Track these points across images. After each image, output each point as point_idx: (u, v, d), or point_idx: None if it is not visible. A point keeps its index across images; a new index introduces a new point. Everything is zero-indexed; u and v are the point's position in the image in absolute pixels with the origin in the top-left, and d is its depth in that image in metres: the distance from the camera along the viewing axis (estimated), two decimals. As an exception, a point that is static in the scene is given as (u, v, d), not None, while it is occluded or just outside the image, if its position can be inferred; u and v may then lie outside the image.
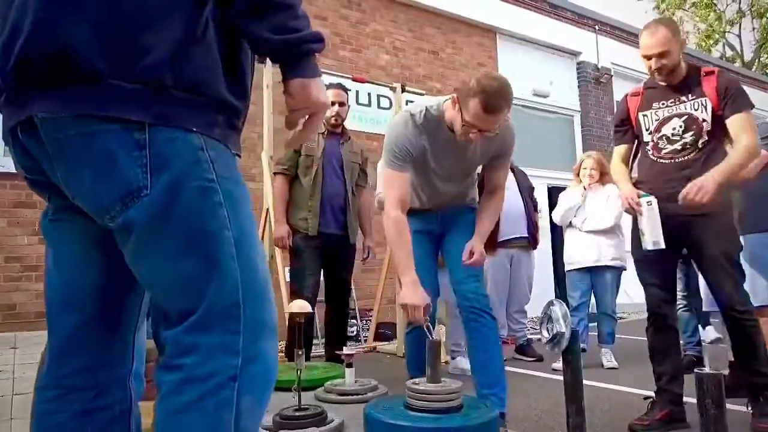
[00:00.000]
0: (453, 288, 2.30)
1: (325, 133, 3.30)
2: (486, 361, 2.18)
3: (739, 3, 16.20)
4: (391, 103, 5.81)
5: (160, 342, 0.85)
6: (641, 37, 2.40)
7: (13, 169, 4.32)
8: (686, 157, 2.36)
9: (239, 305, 0.83)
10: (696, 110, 2.35)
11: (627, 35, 9.59)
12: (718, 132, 2.33)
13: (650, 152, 2.46)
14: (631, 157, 2.60)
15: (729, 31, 16.44)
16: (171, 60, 0.81)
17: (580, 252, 3.82)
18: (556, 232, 6.23)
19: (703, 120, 2.33)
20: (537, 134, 7.88)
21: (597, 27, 8.94)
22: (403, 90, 4.79)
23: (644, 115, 2.48)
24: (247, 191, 0.91)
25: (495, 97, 1.93)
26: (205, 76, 0.85)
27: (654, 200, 2.30)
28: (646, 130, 2.47)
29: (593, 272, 3.81)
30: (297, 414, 1.68)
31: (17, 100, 0.82)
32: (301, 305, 2.21)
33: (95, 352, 0.96)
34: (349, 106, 3.49)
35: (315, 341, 4.55)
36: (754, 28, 15.73)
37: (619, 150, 2.58)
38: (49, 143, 0.82)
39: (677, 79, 2.39)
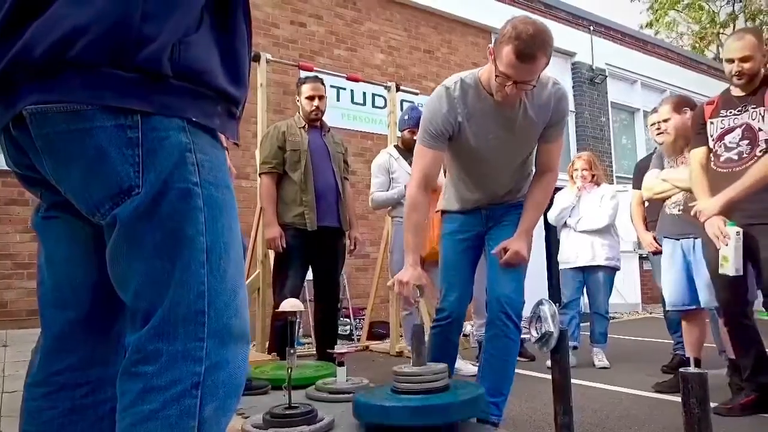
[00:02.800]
0: (486, 287, 2.16)
1: (306, 126, 3.31)
2: (498, 370, 2.08)
3: (732, 5, 16.29)
4: (385, 102, 5.81)
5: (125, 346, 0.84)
6: (727, 42, 2.51)
7: (4, 167, 4.30)
8: (742, 167, 2.43)
9: (204, 312, 0.82)
10: (754, 120, 2.43)
11: (621, 36, 9.64)
12: None
13: (713, 160, 2.56)
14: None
15: (722, 33, 16.51)
16: (171, 50, 0.80)
17: (574, 251, 3.85)
18: (551, 232, 6.25)
19: (759, 129, 2.40)
20: (531, 134, 7.89)
21: (592, 27, 8.97)
22: (398, 89, 4.79)
23: (711, 123, 2.58)
24: (232, 196, 0.91)
25: (529, 43, 1.76)
26: (204, 66, 0.84)
27: (741, 231, 2.39)
28: (711, 137, 2.57)
29: (587, 272, 3.84)
30: (287, 412, 1.69)
31: (8, 95, 0.81)
32: (293, 303, 2.21)
33: (87, 349, 0.96)
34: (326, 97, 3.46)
35: (307, 340, 4.57)
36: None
37: (696, 154, 2.63)
38: (38, 138, 0.81)
39: (751, 87, 2.48)
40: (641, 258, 7.10)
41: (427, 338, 2.11)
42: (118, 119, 0.79)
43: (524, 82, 1.84)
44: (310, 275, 3.41)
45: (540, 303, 1.46)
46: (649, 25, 17.67)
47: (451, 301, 2.17)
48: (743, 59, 2.43)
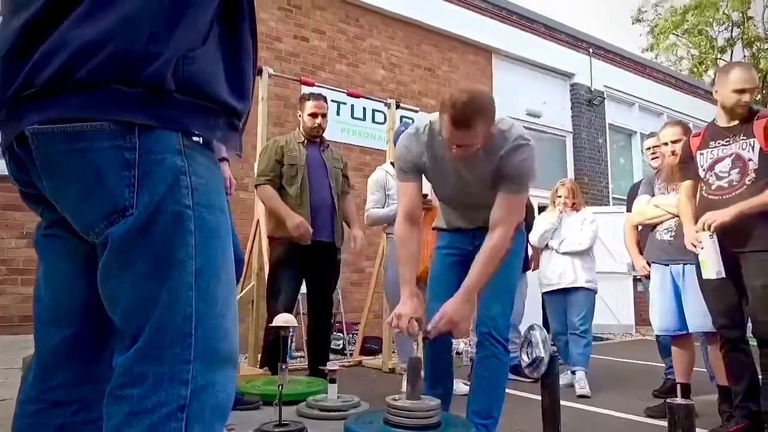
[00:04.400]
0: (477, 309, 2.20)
1: (305, 142, 3.34)
2: (487, 391, 2.09)
3: (731, 31, 16.50)
4: (385, 118, 5.85)
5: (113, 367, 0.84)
6: (734, 72, 2.54)
7: (1, 172, 4.30)
8: (732, 194, 2.49)
9: (191, 335, 0.82)
10: (743, 150, 2.50)
11: (621, 59, 9.74)
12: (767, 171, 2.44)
13: (703, 188, 2.62)
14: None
15: (720, 58, 16.70)
16: (175, 65, 0.82)
17: (557, 273, 3.89)
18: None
19: (749, 159, 2.47)
20: (529, 153, 7.95)
21: (591, 50, 9.07)
22: (398, 106, 4.83)
23: (701, 154, 2.64)
24: (226, 219, 0.91)
25: (462, 111, 1.81)
26: (208, 79, 0.86)
27: (714, 234, 2.43)
28: (701, 167, 2.63)
29: (568, 293, 3.87)
30: (276, 430, 1.69)
31: (13, 115, 0.83)
32: (286, 319, 2.22)
33: (80, 367, 0.96)
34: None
35: (300, 354, 4.56)
36: (744, 56, 16.00)
37: (685, 186, 2.71)
38: (38, 157, 0.83)
39: (739, 119, 2.54)
40: (635, 280, 7.11)
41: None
42: (116, 140, 0.80)
43: (465, 146, 1.89)
44: (304, 289, 3.42)
45: (531, 328, 1.47)
46: (650, 48, 17.87)
47: (433, 310, 2.17)
48: (752, 90, 2.53)
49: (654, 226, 3.09)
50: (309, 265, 3.25)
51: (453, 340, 2.28)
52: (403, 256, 2.10)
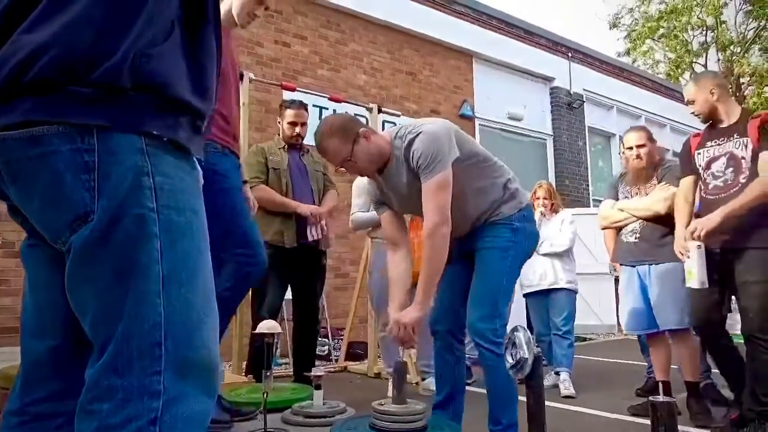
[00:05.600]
0: None
1: (286, 147, 3.36)
2: (490, 396, 2.11)
3: (705, 35, 16.83)
4: (367, 123, 5.86)
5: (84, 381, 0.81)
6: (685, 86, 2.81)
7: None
8: (728, 193, 2.54)
9: (160, 344, 0.79)
10: (737, 148, 2.56)
11: (599, 63, 9.90)
12: None
13: (701, 188, 2.68)
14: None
15: (696, 62, 17.03)
16: (131, 62, 0.79)
17: (537, 274, 3.92)
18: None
19: (742, 158, 2.53)
20: (511, 157, 7.98)
21: (570, 54, 9.19)
22: (380, 111, 4.84)
23: (699, 153, 2.71)
24: (199, 220, 0.87)
25: (316, 139, 2.10)
26: (167, 77, 0.83)
27: (702, 244, 2.49)
28: (700, 167, 2.69)
29: (549, 294, 3.90)
30: (263, 437, 1.67)
31: None
32: (270, 325, 2.20)
33: (64, 379, 0.94)
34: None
35: (285, 360, 4.53)
36: (719, 59, 16.34)
37: (684, 183, 2.77)
38: (2, 166, 0.81)
39: (723, 121, 2.65)
40: (617, 280, 7.20)
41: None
42: (74, 143, 0.77)
43: (338, 166, 2.13)
44: (289, 294, 3.40)
45: (515, 329, 1.48)
46: (627, 52, 18.15)
47: (435, 315, 2.27)
48: (689, 102, 2.72)
49: (620, 229, 3.16)
50: (294, 269, 3.24)
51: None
52: (391, 278, 2.20)
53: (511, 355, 1.47)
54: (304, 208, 3.21)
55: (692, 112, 2.73)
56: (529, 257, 2.29)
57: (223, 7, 2.11)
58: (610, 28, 18.62)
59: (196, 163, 0.92)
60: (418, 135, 2.03)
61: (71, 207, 0.78)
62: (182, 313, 0.81)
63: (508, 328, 1.72)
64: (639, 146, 3.05)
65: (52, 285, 0.94)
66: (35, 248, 0.96)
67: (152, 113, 0.82)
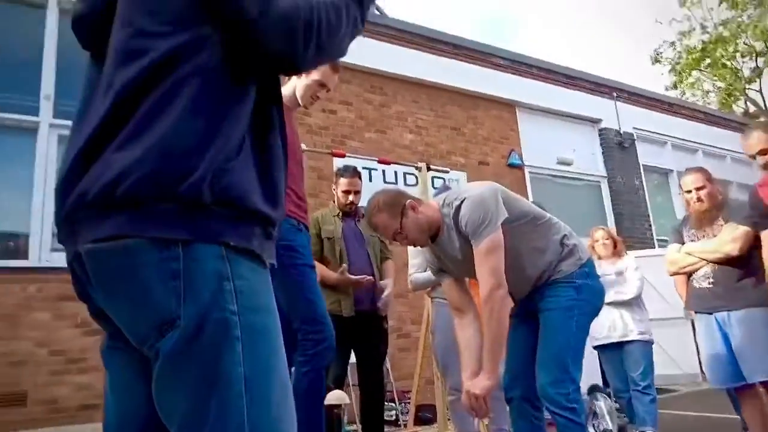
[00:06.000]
0: None
1: (340, 214, 3.41)
2: None
3: (755, 60, 16.34)
4: (417, 181, 5.92)
5: None
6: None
7: (57, 264, 4.52)
8: None
9: None
10: None
11: (646, 99, 9.74)
12: None
13: None
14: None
15: (749, 88, 16.49)
16: (211, 178, 0.85)
17: (605, 326, 3.74)
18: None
19: None
20: (565, 202, 7.89)
21: (615, 94, 9.11)
22: (428, 169, 4.89)
23: None
24: (274, 318, 0.92)
25: (367, 215, 2.23)
26: (242, 190, 0.88)
27: None
28: None
29: (622, 347, 3.70)
30: None
31: (71, 235, 0.87)
32: (337, 396, 2.20)
33: None
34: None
35: (353, 427, 4.44)
36: (774, 84, 15.79)
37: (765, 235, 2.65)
38: (92, 273, 0.86)
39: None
40: (694, 324, 6.78)
41: None
42: (161, 252, 0.82)
43: (391, 239, 2.23)
44: (353, 358, 3.38)
45: (594, 397, 1.42)
46: (674, 86, 17.82)
47: (507, 381, 2.23)
48: (761, 152, 2.63)
49: (690, 274, 2.99)
50: (355, 337, 3.23)
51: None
52: (460, 344, 2.20)
53: (594, 426, 1.40)
54: (335, 278, 3.16)
55: (763, 164, 2.57)
56: (597, 315, 2.21)
57: (287, 90, 2.24)
58: (653, 63, 18.41)
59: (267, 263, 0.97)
60: (464, 201, 2.07)
61: (159, 313, 0.82)
62: (263, 411, 0.84)
63: (583, 383, 1.65)
64: (698, 189, 2.94)
65: (134, 388, 0.96)
66: (117, 351, 0.98)
67: (229, 225, 0.87)
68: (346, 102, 6.55)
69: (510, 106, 7.95)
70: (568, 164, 8.34)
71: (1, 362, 4.11)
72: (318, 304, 2.19)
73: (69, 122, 3.77)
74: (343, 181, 3.45)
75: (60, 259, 4.48)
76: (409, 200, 2.15)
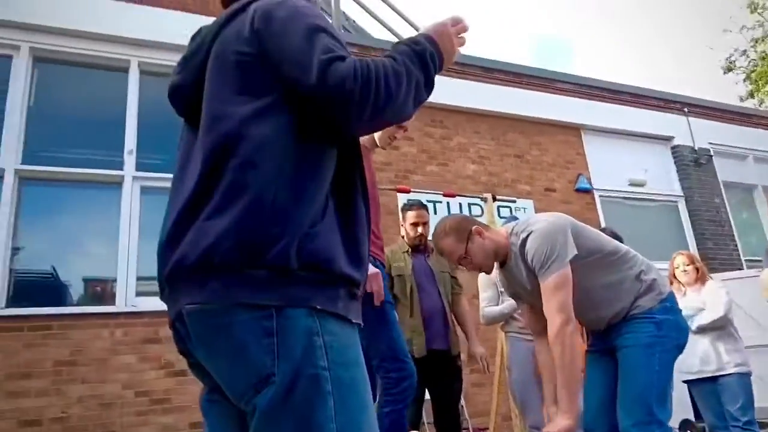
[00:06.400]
0: None
1: (409, 251, 3.39)
2: None
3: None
4: (482, 211, 5.87)
5: None
6: None
7: (142, 309, 4.77)
8: None
9: None
10: None
11: (721, 113, 9.25)
12: None
13: None
14: None
15: (836, 91, 15.37)
16: (297, 244, 0.89)
17: (697, 358, 3.49)
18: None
19: None
20: (640, 225, 7.55)
21: (686, 109, 8.72)
22: (494, 199, 4.85)
23: None
24: (361, 374, 0.94)
25: (434, 240, 2.28)
26: (327, 254, 0.91)
27: None
28: None
29: (716, 380, 3.44)
30: None
31: (172, 295, 0.95)
32: (417, 438, 2.16)
33: None
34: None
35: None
36: None
37: None
38: (192, 332, 0.92)
39: None
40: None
41: None
42: (254, 312, 0.87)
43: (456, 263, 2.27)
44: (427, 395, 3.33)
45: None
46: (750, 95, 16.87)
47: (587, 420, 2.14)
48: None
49: None
50: (428, 376, 3.19)
51: None
52: (541, 365, 2.20)
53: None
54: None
55: None
56: (681, 352, 2.08)
57: None
58: (725, 73, 17.56)
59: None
60: (530, 234, 2.05)
61: (255, 370, 0.86)
62: None
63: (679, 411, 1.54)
64: None
65: None
66: (215, 403, 1.03)
67: (316, 289, 0.90)
68: (408, 137, 6.62)
69: (575, 129, 7.77)
70: (641, 185, 8.00)
71: (92, 404, 4.33)
72: (398, 341, 2.19)
73: (150, 174, 4.03)
74: (410, 214, 3.46)
75: (144, 304, 4.75)
76: (475, 225, 2.17)
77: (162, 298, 0.99)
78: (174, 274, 0.92)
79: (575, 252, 1.98)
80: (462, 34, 1.13)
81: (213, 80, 1.00)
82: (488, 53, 7.66)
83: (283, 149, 0.93)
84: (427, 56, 1.02)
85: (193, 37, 1.12)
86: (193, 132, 1.03)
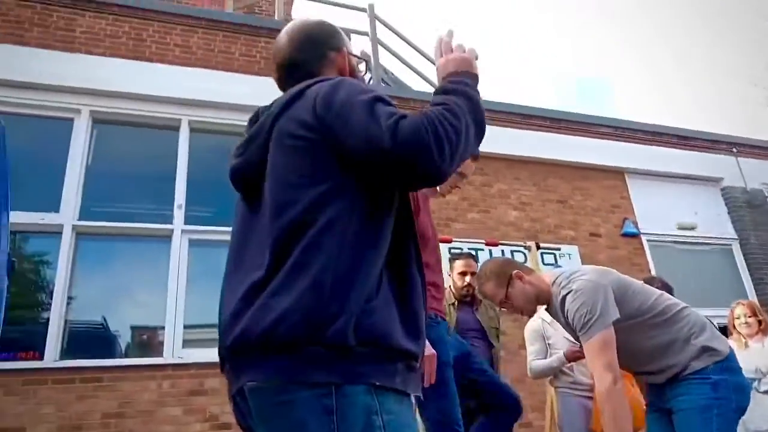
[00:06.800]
0: None
1: (456, 303, 3.33)
2: None
3: None
4: (526, 258, 5.77)
5: None
6: None
7: (187, 360, 4.83)
8: None
9: None
10: None
11: (773, 152, 8.94)
12: None
13: None
14: None
15: None
16: (354, 321, 0.90)
17: (765, 419, 3.26)
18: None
19: None
20: (692, 269, 7.26)
21: (735, 149, 8.47)
22: (538, 247, 4.77)
23: None
24: None
25: (477, 284, 2.33)
26: (384, 329, 0.93)
27: None
28: None
29: None
30: None
31: (234, 370, 0.97)
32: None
33: None
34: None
35: None
36: None
37: None
38: (253, 408, 0.94)
39: None
40: None
41: None
42: (314, 390, 0.88)
43: (499, 306, 2.31)
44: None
45: None
46: (802, 131, 16.28)
47: None
48: None
49: None
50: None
51: None
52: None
53: None
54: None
55: None
56: (742, 414, 1.94)
57: None
58: (774, 110, 17.01)
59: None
60: (569, 292, 2.00)
61: None
62: None
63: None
64: None
65: None
66: None
67: (374, 366, 0.92)
68: (448, 184, 6.66)
69: (618, 173, 7.64)
70: (691, 228, 7.73)
71: (138, 457, 4.36)
72: (451, 408, 2.10)
73: (198, 227, 4.13)
74: (458, 263, 3.43)
75: (190, 355, 4.81)
76: (516, 270, 2.18)
77: (222, 369, 1.02)
78: (236, 349, 0.94)
79: (617, 315, 1.92)
80: (454, 46, 1.17)
81: (276, 165, 1.04)
82: (528, 99, 7.69)
83: (343, 229, 0.95)
84: (464, 84, 1.08)
85: (251, 120, 1.18)
86: (250, 210, 1.07)
